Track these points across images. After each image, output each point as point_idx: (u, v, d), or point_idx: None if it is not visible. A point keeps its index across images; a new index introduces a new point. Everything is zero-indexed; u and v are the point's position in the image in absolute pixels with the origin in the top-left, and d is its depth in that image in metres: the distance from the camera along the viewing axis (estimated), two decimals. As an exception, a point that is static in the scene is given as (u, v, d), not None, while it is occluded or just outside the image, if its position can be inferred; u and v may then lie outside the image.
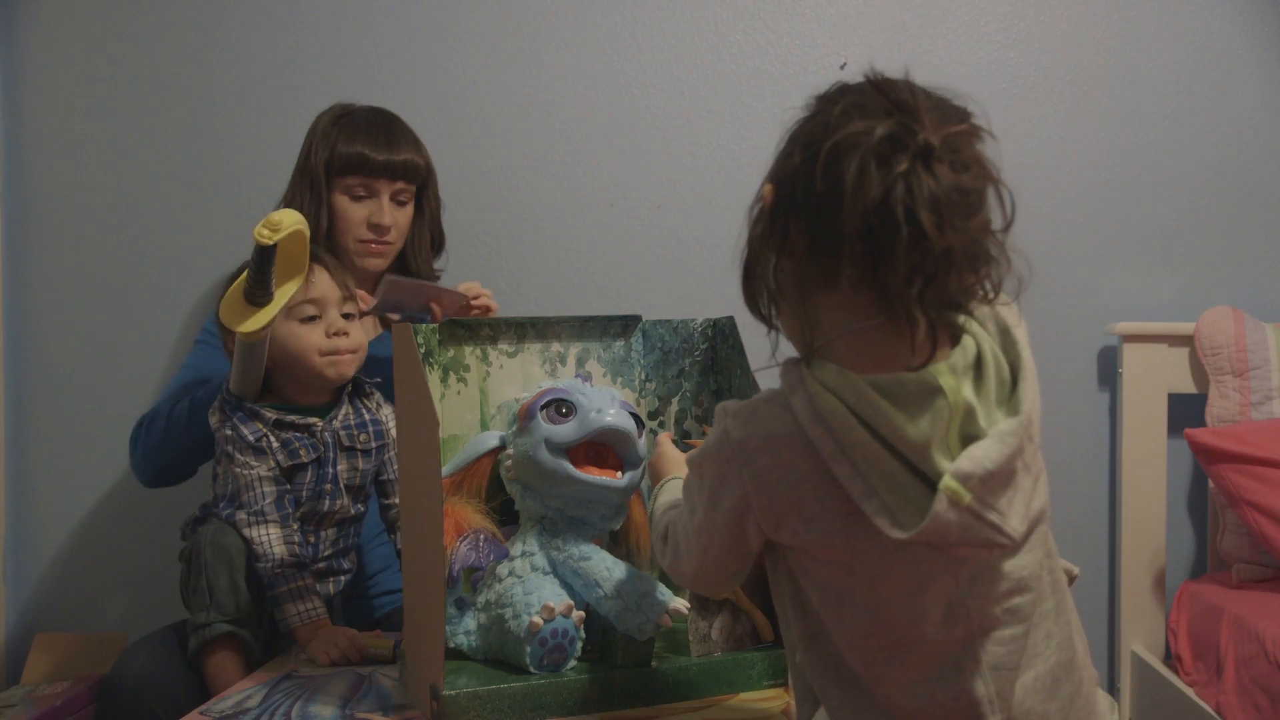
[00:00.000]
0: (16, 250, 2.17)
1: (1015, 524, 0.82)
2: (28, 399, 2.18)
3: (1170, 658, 2.03)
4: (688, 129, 2.18)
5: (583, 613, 1.21)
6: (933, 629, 0.84)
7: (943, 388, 0.82)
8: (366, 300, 1.65)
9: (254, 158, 2.14)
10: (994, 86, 2.16)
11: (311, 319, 1.49)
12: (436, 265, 1.97)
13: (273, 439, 1.46)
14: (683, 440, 1.43)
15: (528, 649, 1.17)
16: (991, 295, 0.86)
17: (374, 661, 1.36)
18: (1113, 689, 2.14)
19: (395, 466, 1.55)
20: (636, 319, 1.48)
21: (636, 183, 2.18)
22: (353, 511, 1.55)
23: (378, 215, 1.79)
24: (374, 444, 1.55)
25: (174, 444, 1.66)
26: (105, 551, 2.17)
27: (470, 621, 1.28)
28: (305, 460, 1.48)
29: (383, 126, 1.81)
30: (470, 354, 1.40)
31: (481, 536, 1.25)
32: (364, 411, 1.56)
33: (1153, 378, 2.11)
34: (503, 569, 1.26)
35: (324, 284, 1.50)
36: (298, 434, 1.48)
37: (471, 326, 1.40)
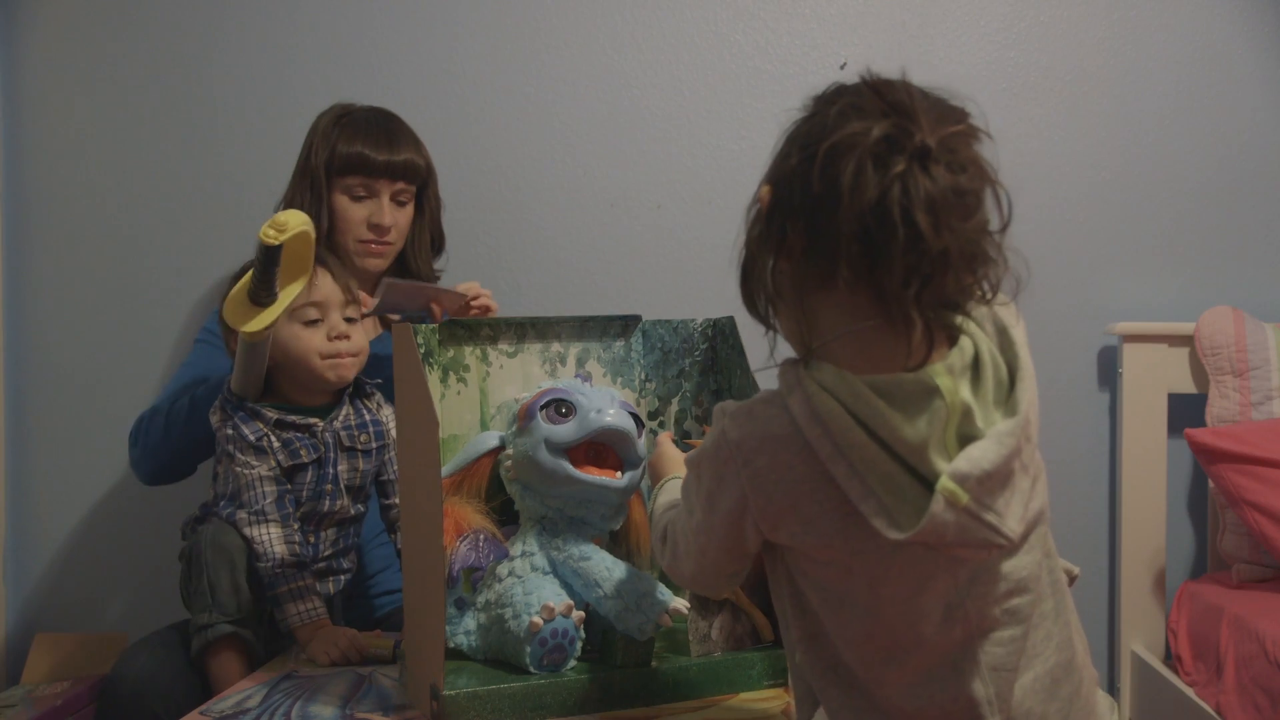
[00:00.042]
0: (16, 250, 2.17)
1: (1013, 525, 0.82)
2: (28, 399, 2.18)
3: (1170, 658, 2.03)
4: (688, 129, 2.18)
5: (583, 613, 1.21)
6: (931, 630, 0.84)
7: (940, 388, 0.82)
8: (366, 302, 1.65)
9: (254, 158, 2.14)
10: (994, 86, 2.16)
11: (313, 322, 1.49)
12: (436, 265, 1.97)
13: (274, 439, 1.47)
14: (683, 440, 1.43)
15: (528, 649, 1.17)
16: (989, 296, 0.86)
17: (374, 661, 1.36)
18: (1113, 689, 2.14)
19: (395, 467, 1.55)
20: (636, 319, 1.48)
21: (636, 183, 2.18)
22: (353, 512, 1.55)
23: (378, 215, 1.79)
24: (374, 444, 1.55)
25: (174, 441, 1.67)
26: (105, 551, 2.17)
27: (470, 621, 1.28)
28: (306, 460, 1.48)
29: (383, 127, 1.81)
30: (470, 354, 1.40)
31: (481, 536, 1.25)
32: (364, 412, 1.56)
33: (1153, 378, 2.11)
34: (503, 569, 1.26)
35: (327, 287, 1.50)
36: (298, 434, 1.48)
37: (471, 326, 1.40)
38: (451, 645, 1.27)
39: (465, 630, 1.28)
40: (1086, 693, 0.90)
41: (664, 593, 1.21)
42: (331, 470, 1.50)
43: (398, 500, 1.40)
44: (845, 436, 0.82)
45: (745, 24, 2.18)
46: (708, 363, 1.50)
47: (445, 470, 1.31)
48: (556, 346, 1.44)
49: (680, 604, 1.21)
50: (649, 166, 2.18)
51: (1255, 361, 2.02)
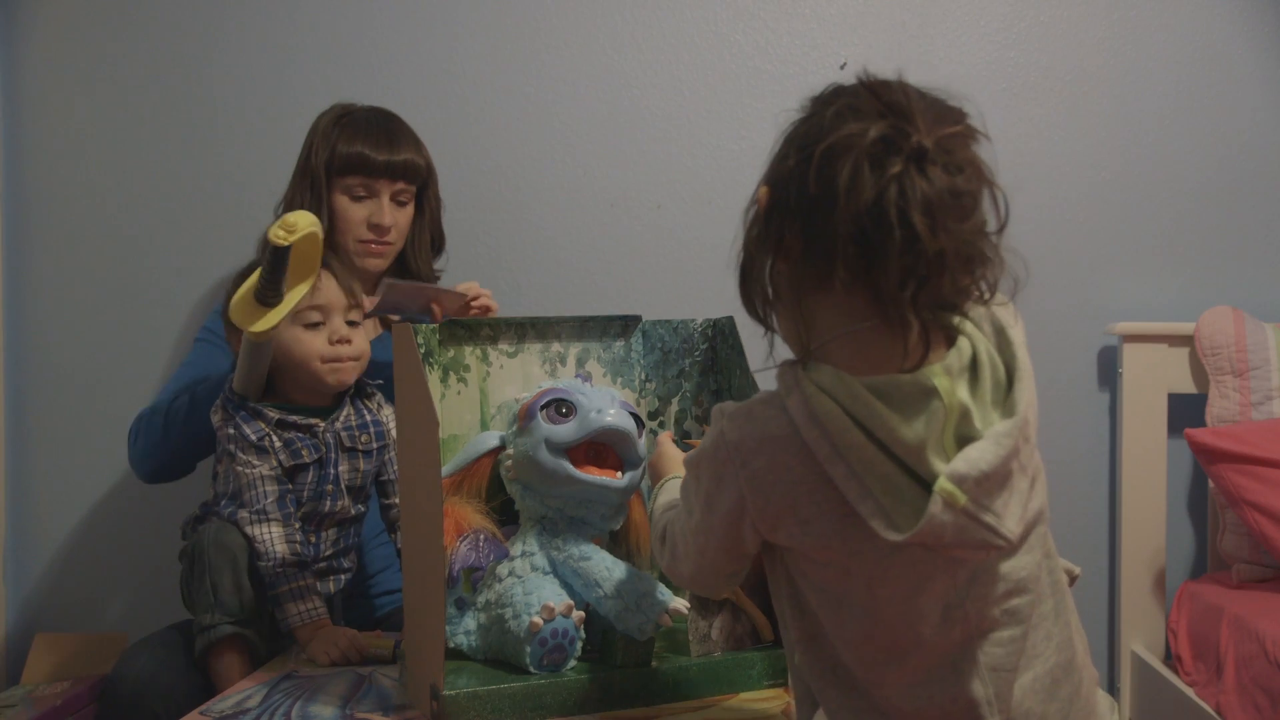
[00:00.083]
0: (16, 250, 2.17)
1: (1011, 525, 0.82)
2: (28, 399, 2.18)
3: (1170, 658, 2.03)
4: (688, 129, 2.18)
5: (583, 613, 1.21)
6: (930, 630, 0.84)
7: (938, 389, 0.82)
8: (366, 303, 1.65)
9: (254, 158, 2.14)
10: (994, 86, 2.16)
11: (315, 325, 1.49)
12: (436, 266, 1.97)
13: (275, 438, 1.47)
14: (682, 440, 1.43)
15: (528, 649, 1.18)
16: (987, 296, 0.86)
17: (374, 661, 1.36)
18: (1113, 689, 2.14)
19: (395, 467, 1.55)
20: (636, 319, 1.48)
21: (636, 183, 2.18)
22: (353, 512, 1.55)
23: (378, 215, 1.79)
24: (375, 445, 1.55)
25: (173, 439, 1.67)
26: (105, 551, 2.17)
27: (470, 621, 1.28)
28: (307, 460, 1.48)
29: (383, 127, 1.81)
30: (470, 354, 1.40)
31: (481, 536, 1.26)
32: (365, 412, 1.56)
33: (1153, 378, 2.11)
34: (503, 569, 1.26)
35: (330, 291, 1.50)
36: (300, 434, 1.48)
37: (471, 327, 1.40)
38: (451, 645, 1.27)
39: (465, 630, 1.28)
40: (1087, 693, 0.90)
41: (664, 593, 1.21)
42: (332, 471, 1.50)
43: (398, 500, 1.41)
44: (843, 437, 0.82)
45: (745, 24, 2.18)
46: (708, 363, 1.50)
47: (445, 470, 1.31)
48: (556, 346, 1.44)
49: (680, 604, 1.21)
50: (649, 166, 2.18)
51: (1255, 361, 2.02)
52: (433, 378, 1.38)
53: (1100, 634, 2.17)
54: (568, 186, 2.18)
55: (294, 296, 1.39)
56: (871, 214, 0.80)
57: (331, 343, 1.49)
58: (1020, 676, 0.86)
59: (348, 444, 1.52)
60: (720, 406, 0.90)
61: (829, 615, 0.88)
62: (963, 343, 0.85)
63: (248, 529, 1.43)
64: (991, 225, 0.84)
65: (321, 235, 1.38)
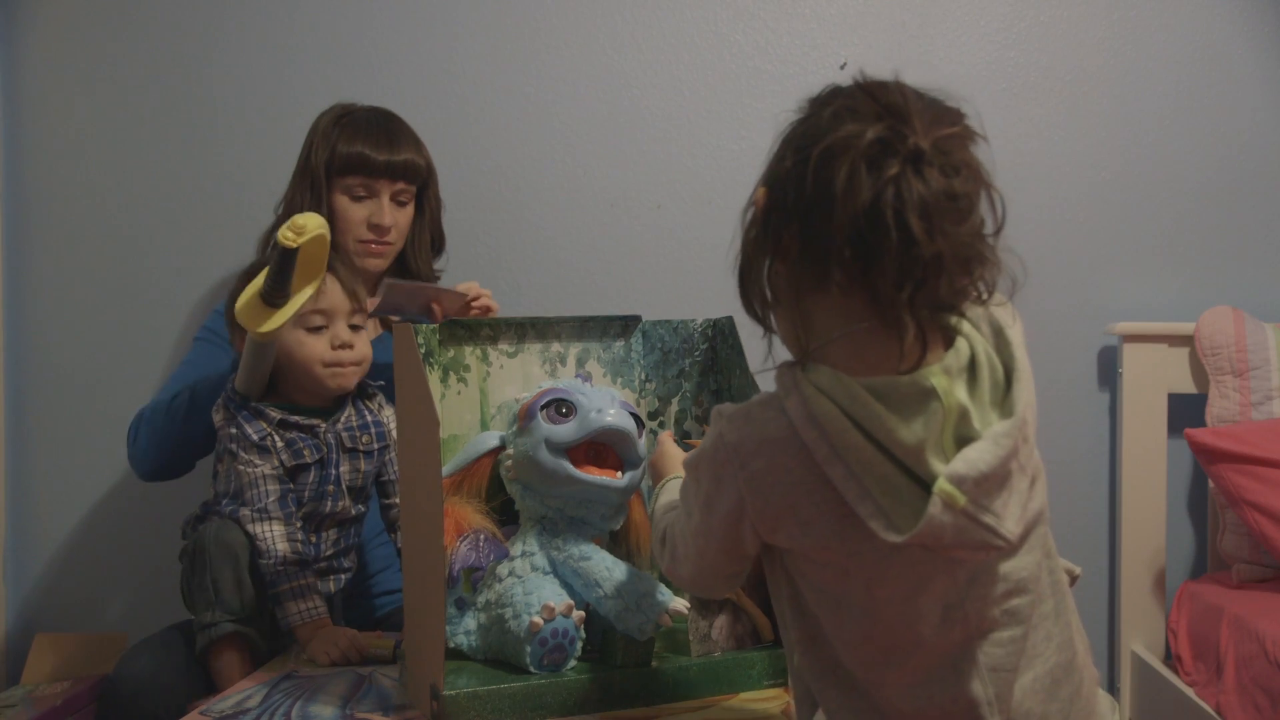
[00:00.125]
0: (16, 250, 2.17)
1: (1011, 525, 0.82)
2: (28, 399, 2.18)
3: (1170, 658, 2.03)
4: (688, 129, 2.18)
5: (583, 613, 1.21)
6: (930, 631, 0.84)
7: (936, 390, 0.82)
8: (367, 304, 1.65)
9: (254, 158, 2.14)
10: (994, 86, 2.16)
11: (318, 329, 1.49)
12: (436, 266, 1.97)
13: (277, 438, 1.47)
14: (683, 440, 1.43)
15: (528, 649, 1.18)
16: (985, 297, 0.86)
17: (374, 661, 1.36)
18: (1113, 689, 2.14)
19: (396, 467, 1.55)
20: (636, 319, 1.48)
21: (636, 183, 2.18)
22: (354, 512, 1.55)
23: (378, 215, 1.79)
24: (376, 445, 1.55)
25: (173, 436, 1.66)
26: (105, 551, 2.17)
27: (470, 621, 1.28)
28: (309, 461, 1.48)
29: (383, 127, 1.81)
30: (470, 354, 1.40)
31: (481, 536, 1.26)
32: (366, 413, 1.56)
33: (1153, 378, 2.11)
34: (503, 569, 1.26)
35: (335, 295, 1.50)
36: (301, 434, 1.49)
37: (471, 327, 1.40)
38: (451, 645, 1.27)
39: (465, 630, 1.28)
40: (1087, 693, 0.90)
41: (664, 593, 1.21)
42: (334, 471, 1.50)
43: (398, 500, 1.41)
44: (842, 439, 0.82)
45: (745, 24, 2.18)
46: (707, 363, 1.50)
47: (445, 470, 1.31)
48: (556, 346, 1.44)
49: (680, 604, 1.21)
50: (649, 166, 2.18)
51: (1255, 361, 2.02)
52: (433, 378, 1.38)
53: (1100, 634, 2.17)
54: (568, 186, 2.18)
55: (300, 298, 1.40)
56: (868, 216, 0.80)
57: (334, 347, 1.49)
58: (1020, 677, 0.86)
59: (349, 445, 1.52)
60: (719, 408, 0.90)
61: (828, 616, 0.88)
62: (961, 343, 0.85)
63: (249, 526, 1.43)
64: (989, 226, 0.84)
65: (329, 237, 1.38)
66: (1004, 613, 0.85)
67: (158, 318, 2.16)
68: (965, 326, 0.86)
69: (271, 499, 1.44)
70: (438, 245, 1.95)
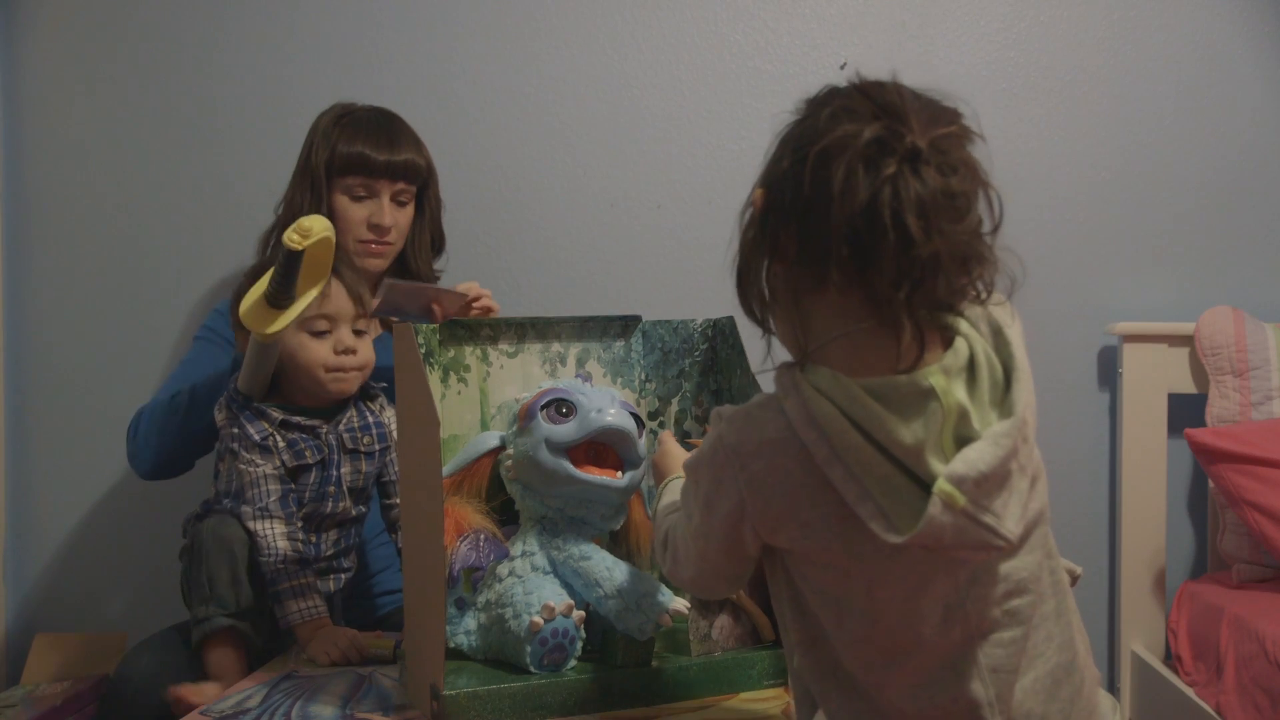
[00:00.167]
0: (16, 250, 2.17)
1: (1011, 525, 0.82)
2: (28, 399, 2.18)
3: (1170, 658, 2.03)
4: (688, 129, 2.18)
5: (583, 613, 1.21)
6: (931, 632, 0.84)
7: (935, 390, 0.82)
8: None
9: (254, 158, 2.14)
10: (994, 86, 2.16)
11: (322, 333, 1.49)
12: (436, 266, 1.97)
13: (278, 438, 1.47)
14: (683, 441, 1.43)
15: (528, 649, 1.18)
16: (984, 296, 0.86)
17: (374, 661, 1.37)
18: (1113, 689, 2.14)
19: (397, 467, 1.55)
20: (636, 319, 1.48)
21: (636, 183, 2.18)
22: (354, 513, 1.55)
23: (378, 216, 1.79)
24: (377, 446, 1.55)
25: (172, 436, 1.66)
26: (105, 551, 2.17)
27: (470, 621, 1.28)
28: (310, 462, 1.48)
29: (384, 126, 1.81)
30: (470, 354, 1.40)
31: (481, 536, 1.26)
32: (368, 414, 1.56)
33: (1153, 378, 2.11)
34: (503, 569, 1.26)
35: (339, 300, 1.50)
36: (303, 435, 1.49)
37: (471, 327, 1.40)
38: (451, 645, 1.27)
39: (465, 630, 1.28)
40: (1088, 693, 0.90)
41: (664, 593, 1.21)
42: (335, 472, 1.50)
43: (399, 500, 1.41)
44: (841, 439, 0.82)
45: (745, 24, 2.18)
46: (708, 363, 1.50)
47: (446, 470, 1.31)
48: (556, 346, 1.44)
49: (681, 604, 1.21)
50: (649, 166, 2.18)
51: (1255, 361, 2.02)
52: (433, 378, 1.38)
53: (1100, 634, 2.17)
54: (568, 186, 2.18)
55: (304, 300, 1.40)
56: (866, 215, 0.80)
57: (337, 352, 1.49)
58: (1021, 677, 0.86)
59: (350, 446, 1.52)
60: (719, 410, 0.90)
61: (829, 617, 0.88)
62: (959, 343, 0.85)
63: (250, 524, 1.43)
64: (986, 225, 0.84)
65: (334, 240, 1.38)
66: (1005, 613, 0.85)
67: (158, 318, 2.16)
68: (964, 326, 0.86)
69: (273, 499, 1.44)
70: (438, 245, 1.95)
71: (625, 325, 1.47)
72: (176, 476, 1.76)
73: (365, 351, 1.52)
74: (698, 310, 1.55)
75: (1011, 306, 0.89)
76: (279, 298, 1.37)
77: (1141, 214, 2.18)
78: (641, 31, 2.18)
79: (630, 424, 1.26)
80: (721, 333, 1.48)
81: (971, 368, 0.85)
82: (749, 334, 0.94)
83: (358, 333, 1.52)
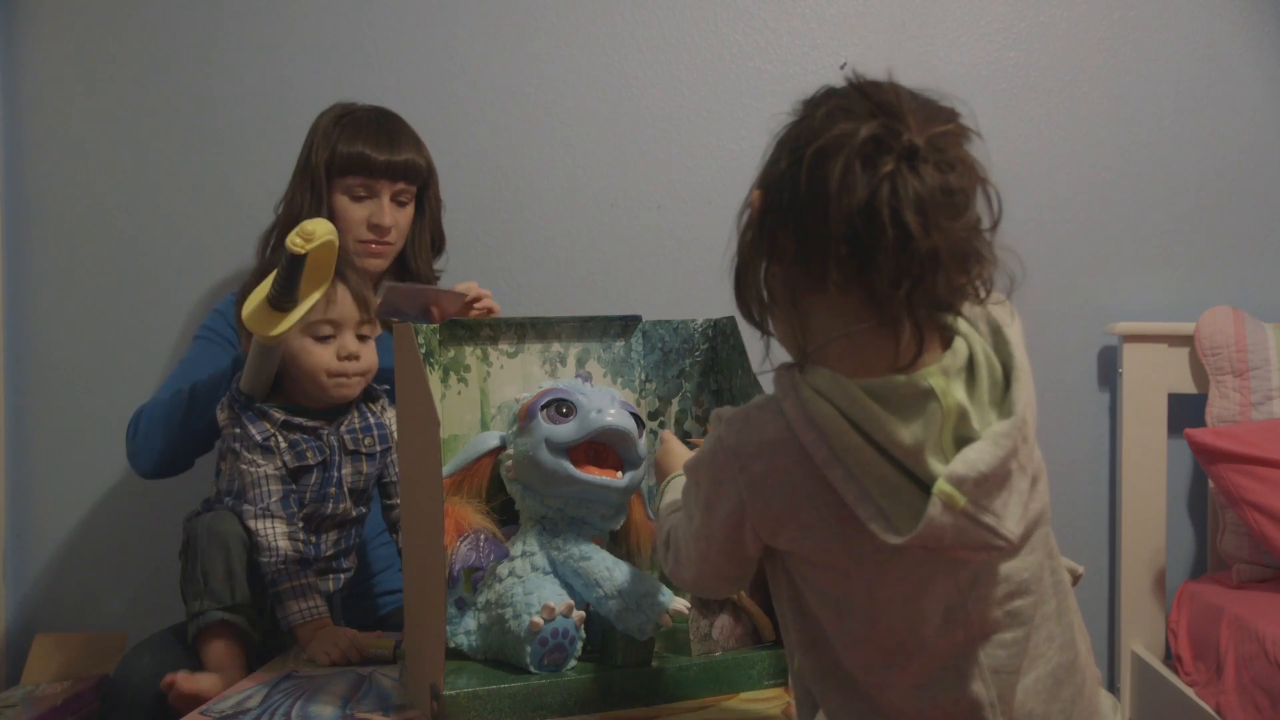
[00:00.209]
0: (16, 250, 2.17)
1: (1012, 526, 0.82)
2: (28, 399, 2.18)
3: (1170, 658, 2.03)
4: (688, 129, 2.18)
5: (583, 613, 1.21)
6: (932, 633, 0.84)
7: (934, 390, 0.82)
8: None
9: (254, 158, 2.14)
10: (994, 86, 2.16)
11: (326, 338, 1.49)
12: (436, 266, 1.97)
13: (280, 439, 1.47)
14: (684, 441, 1.43)
15: (528, 649, 1.18)
16: (983, 295, 0.86)
17: (374, 661, 1.36)
18: (1113, 689, 2.14)
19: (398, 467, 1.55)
20: (636, 319, 1.48)
21: (636, 183, 2.18)
22: (354, 514, 1.55)
23: (378, 216, 1.79)
24: (378, 448, 1.55)
25: (172, 435, 1.66)
26: (105, 551, 2.17)
27: (470, 621, 1.28)
28: (311, 463, 1.48)
29: (384, 126, 1.81)
30: (470, 354, 1.40)
31: (482, 536, 1.26)
32: (369, 415, 1.56)
33: (1153, 378, 2.11)
34: (503, 569, 1.26)
35: (344, 305, 1.49)
36: (305, 436, 1.49)
37: (471, 327, 1.40)
38: (451, 645, 1.27)
39: (465, 630, 1.28)
40: (1089, 693, 0.90)
41: (664, 593, 1.21)
42: (336, 473, 1.50)
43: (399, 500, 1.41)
44: (840, 440, 0.81)
45: (745, 24, 2.18)
46: (708, 363, 1.50)
47: (446, 470, 1.31)
48: (556, 347, 1.44)
49: (681, 604, 1.21)
50: (649, 166, 2.18)
51: (1255, 361, 2.02)
52: (433, 378, 1.38)
53: (1100, 634, 2.17)
54: (568, 186, 2.18)
55: (307, 303, 1.40)
56: (864, 213, 0.79)
57: (340, 358, 1.49)
58: (1023, 678, 0.86)
59: (351, 447, 1.52)
60: (718, 411, 0.90)
61: (830, 618, 0.88)
62: (959, 343, 0.85)
63: (251, 522, 1.43)
64: (985, 223, 0.84)
65: (337, 243, 1.38)
66: (1006, 614, 0.85)
67: (158, 318, 2.16)
68: (963, 326, 0.86)
69: (274, 499, 1.44)
70: (438, 245, 1.95)
71: (625, 325, 1.47)
72: (176, 475, 1.76)
73: (368, 357, 1.52)
74: (698, 310, 1.55)
75: (1011, 305, 0.89)
76: (282, 301, 1.37)
77: (1141, 214, 2.18)
78: (641, 31, 2.18)
79: (630, 424, 1.26)
80: (722, 333, 1.48)
81: (971, 368, 0.85)
82: (750, 334, 0.94)
83: (362, 338, 1.52)
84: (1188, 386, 2.12)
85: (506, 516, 1.33)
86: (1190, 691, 1.85)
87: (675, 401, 1.49)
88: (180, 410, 1.65)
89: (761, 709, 1.18)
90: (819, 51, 2.18)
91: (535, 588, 1.21)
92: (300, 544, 1.44)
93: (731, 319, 1.46)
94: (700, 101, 2.18)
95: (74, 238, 2.17)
